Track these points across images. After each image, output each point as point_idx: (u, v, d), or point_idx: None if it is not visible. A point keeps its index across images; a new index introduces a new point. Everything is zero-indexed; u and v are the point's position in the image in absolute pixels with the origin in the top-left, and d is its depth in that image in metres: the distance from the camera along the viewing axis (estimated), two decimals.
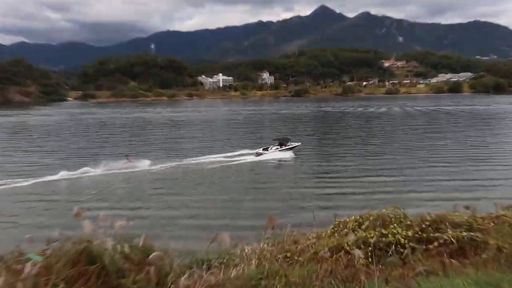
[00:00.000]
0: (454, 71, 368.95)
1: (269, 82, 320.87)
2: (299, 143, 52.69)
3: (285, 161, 44.01)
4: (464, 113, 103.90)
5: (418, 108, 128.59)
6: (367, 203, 16.59)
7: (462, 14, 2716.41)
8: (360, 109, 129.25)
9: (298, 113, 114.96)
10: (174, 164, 41.88)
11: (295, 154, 47.66)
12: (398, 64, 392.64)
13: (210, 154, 46.84)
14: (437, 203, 25.09)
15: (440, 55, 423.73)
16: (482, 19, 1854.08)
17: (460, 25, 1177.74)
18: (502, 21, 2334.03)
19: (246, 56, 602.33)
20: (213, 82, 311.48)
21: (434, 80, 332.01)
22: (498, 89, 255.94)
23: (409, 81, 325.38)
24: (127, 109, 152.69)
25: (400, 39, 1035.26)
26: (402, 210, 9.31)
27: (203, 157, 45.23)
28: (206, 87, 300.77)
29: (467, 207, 9.71)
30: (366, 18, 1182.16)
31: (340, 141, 58.10)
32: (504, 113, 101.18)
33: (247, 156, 46.11)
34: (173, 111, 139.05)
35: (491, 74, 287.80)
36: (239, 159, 44.56)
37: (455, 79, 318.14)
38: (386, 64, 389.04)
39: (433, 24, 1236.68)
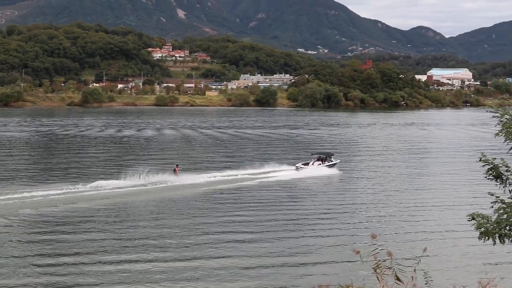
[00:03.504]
0: (266, 71, 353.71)
1: None
2: (339, 160, 66.49)
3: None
4: (282, 142, 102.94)
5: (203, 130, 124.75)
6: None
7: None
8: (111, 131, 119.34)
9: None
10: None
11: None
12: (177, 55, 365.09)
13: None
14: None
15: (244, 44, 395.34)
16: None
17: None
18: None
19: None
20: None
21: (234, 84, 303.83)
22: (331, 102, 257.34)
23: (193, 84, 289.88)
24: None
25: (182, 14, 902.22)
26: None
27: None
28: None
29: None
30: None
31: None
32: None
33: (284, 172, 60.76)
34: None
35: (320, 79, 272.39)
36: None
37: (267, 85, 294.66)
38: (157, 55, 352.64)
39: None
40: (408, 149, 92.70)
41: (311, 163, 64.91)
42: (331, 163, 65.20)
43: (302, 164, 63.94)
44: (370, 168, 68.88)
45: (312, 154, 68.69)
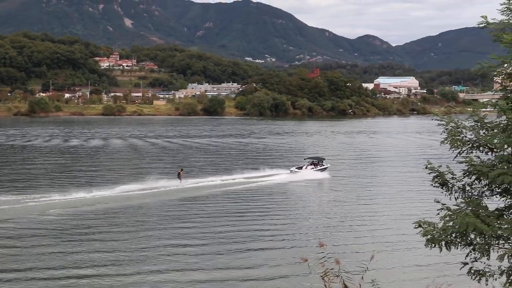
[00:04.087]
0: (214, 80, 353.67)
1: None
2: (329, 165, 70.94)
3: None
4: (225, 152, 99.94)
5: (152, 140, 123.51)
6: None
7: None
8: (56, 141, 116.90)
9: None
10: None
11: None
12: (124, 64, 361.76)
13: None
14: None
15: (191, 53, 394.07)
16: None
17: (222, 5, 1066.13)
18: (281, 3, 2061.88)
19: None
20: None
21: (181, 93, 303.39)
22: (278, 111, 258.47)
23: (141, 94, 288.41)
24: None
25: (129, 23, 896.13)
26: None
27: None
28: None
29: None
30: None
31: None
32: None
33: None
34: None
35: (268, 87, 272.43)
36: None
37: (214, 93, 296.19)
38: (104, 65, 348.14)
39: (183, 2, 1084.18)
40: (357, 158, 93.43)
41: (304, 167, 69.18)
42: (322, 167, 69.63)
43: (296, 168, 68.43)
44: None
45: (305, 159, 73.47)
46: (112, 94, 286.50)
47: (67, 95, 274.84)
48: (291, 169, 68.25)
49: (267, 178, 64.23)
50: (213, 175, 64.48)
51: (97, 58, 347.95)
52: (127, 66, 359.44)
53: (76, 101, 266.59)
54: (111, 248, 35.36)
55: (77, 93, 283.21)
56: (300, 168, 69.13)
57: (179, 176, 59.37)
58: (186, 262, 32.72)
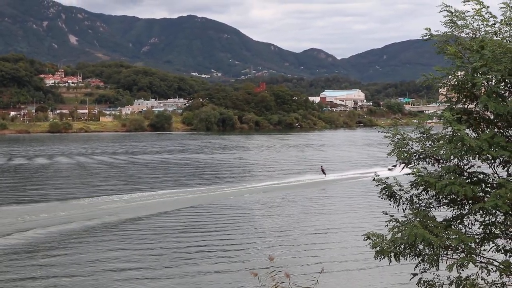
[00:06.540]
0: (160, 95, 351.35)
1: None
2: None
3: None
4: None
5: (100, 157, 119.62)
6: None
7: (169, 4, 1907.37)
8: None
9: None
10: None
11: None
12: (70, 81, 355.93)
13: None
14: None
15: (137, 69, 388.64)
16: (199, 14, 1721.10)
17: (167, 21, 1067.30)
18: (226, 17, 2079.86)
19: None
20: None
21: (128, 110, 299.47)
22: (225, 125, 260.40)
23: (87, 110, 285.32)
24: None
25: (74, 40, 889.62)
26: None
27: None
28: None
29: None
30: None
31: None
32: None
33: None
34: None
35: (215, 102, 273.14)
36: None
37: (161, 109, 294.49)
38: (50, 82, 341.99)
39: (128, 17, 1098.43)
40: (307, 171, 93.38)
41: (398, 165, 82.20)
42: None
43: (392, 166, 79.25)
44: (270, 190, 68.76)
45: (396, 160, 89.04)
46: (58, 111, 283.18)
47: (12, 113, 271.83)
48: (388, 167, 78.15)
49: (369, 174, 76.96)
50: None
51: (42, 76, 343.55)
52: (72, 83, 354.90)
53: (22, 119, 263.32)
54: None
55: (23, 111, 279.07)
56: (395, 166, 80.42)
57: (323, 171, 75.21)
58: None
